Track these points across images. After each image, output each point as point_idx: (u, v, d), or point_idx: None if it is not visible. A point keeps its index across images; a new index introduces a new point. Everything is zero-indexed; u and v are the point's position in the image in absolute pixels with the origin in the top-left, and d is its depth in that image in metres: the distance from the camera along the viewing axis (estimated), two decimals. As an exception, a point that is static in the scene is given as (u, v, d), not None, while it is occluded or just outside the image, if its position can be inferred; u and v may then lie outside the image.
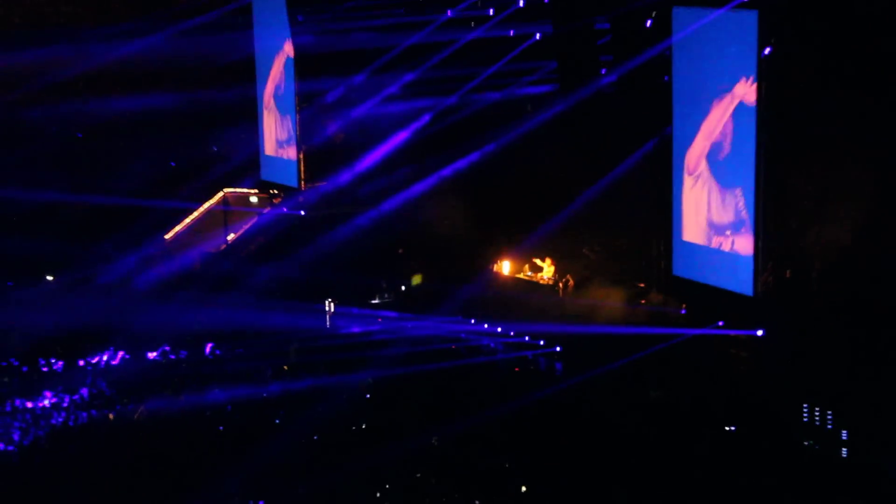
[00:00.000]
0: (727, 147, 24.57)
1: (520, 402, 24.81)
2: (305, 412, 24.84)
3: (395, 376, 26.99)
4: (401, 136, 34.52)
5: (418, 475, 21.94)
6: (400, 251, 33.71)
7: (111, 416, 25.43)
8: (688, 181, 25.62)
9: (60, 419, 25.04)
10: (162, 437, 24.15)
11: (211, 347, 29.10)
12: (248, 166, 38.79)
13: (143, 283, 33.73)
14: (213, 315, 31.19)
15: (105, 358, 28.21)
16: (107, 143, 38.48)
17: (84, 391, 26.29)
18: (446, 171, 33.29)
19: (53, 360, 27.85)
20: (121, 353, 28.38)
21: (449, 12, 32.59)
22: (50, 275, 34.73)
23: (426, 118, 34.35)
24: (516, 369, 27.84)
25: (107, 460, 23.06)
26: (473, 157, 33.26)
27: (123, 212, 36.73)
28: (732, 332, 25.40)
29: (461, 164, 33.34)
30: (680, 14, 25.26)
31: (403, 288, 33.11)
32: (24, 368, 27.56)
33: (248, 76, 38.08)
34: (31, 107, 37.47)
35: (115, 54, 37.79)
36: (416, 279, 27.23)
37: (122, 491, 21.61)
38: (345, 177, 35.62)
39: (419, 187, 33.14)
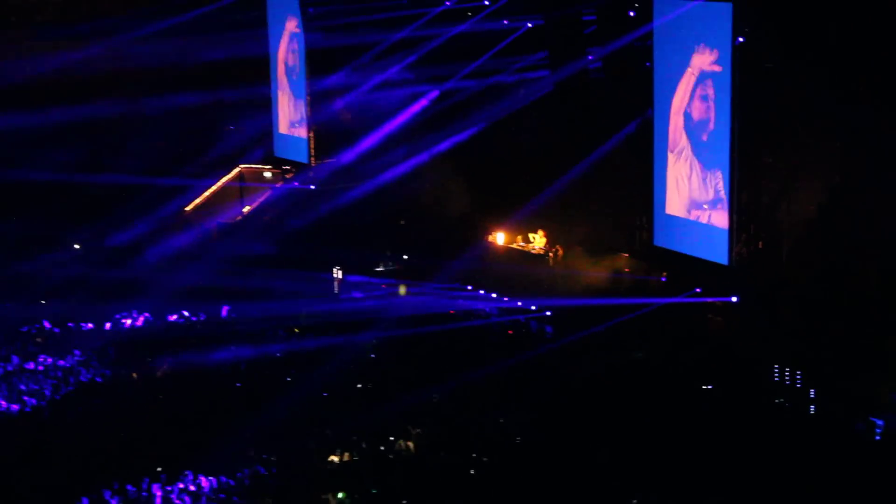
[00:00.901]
0: (706, 128, 24.66)
1: (512, 361, 24.89)
2: (315, 371, 24.87)
3: (397, 338, 27.05)
4: (403, 117, 34.51)
5: (418, 430, 21.96)
6: (402, 222, 33.69)
7: (134, 374, 25.49)
8: (670, 158, 25.69)
9: (88, 376, 25.12)
10: (181, 394, 24.20)
11: (227, 310, 29.14)
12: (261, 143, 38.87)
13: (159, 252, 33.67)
14: (228, 280, 31.47)
15: (129, 321, 28.28)
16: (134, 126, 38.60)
17: (110, 350, 26.38)
18: (444, 148, 33.29)
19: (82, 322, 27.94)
20: (143, 315, 28.47)
21: (447, 2, 32.54)
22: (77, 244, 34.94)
23: (426, 100, 34.30)
24: (509, 332, 27.89)
25: (130, 415, 23.14)
26: (470, 133, 33.27)
27: (145, 188, 36.82)
28: (709, 299, 25.54)
29: (459, 140, 33.37)
30: (660, 4, 25.32)
31: (405, 257, 33.18)
32: (56, 329, 27.61)
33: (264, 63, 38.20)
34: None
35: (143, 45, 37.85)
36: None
37: (143, 443, 21.67)
38: (351, 154, 35.66)
39: (420, 163, 33.13)
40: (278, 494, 19.62)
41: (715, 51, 24.01)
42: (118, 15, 39.48)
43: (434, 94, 34.10)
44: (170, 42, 36.98)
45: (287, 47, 37.52)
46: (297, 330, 28.06)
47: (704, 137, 24.81)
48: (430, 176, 32.96)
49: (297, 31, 36.85)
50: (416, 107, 34.44)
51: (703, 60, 24.40)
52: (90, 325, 27.87)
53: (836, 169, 24.18)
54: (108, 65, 38.26)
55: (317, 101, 35.94)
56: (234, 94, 38.40)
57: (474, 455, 21.09)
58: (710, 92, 24.49)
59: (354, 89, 35.23)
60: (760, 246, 24.56)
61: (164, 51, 37.00)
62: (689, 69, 24.63)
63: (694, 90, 24.88)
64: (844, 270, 23.66)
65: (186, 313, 28.79)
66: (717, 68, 23.88)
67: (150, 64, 37.37)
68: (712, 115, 24.40)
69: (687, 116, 25.17)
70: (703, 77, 24.58)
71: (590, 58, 27.98)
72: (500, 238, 31.01)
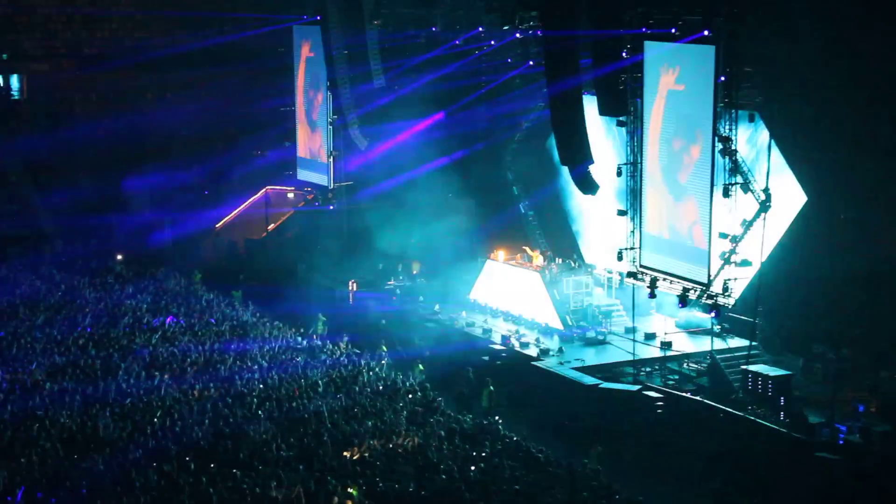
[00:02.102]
0: (689, 163, 24.78)
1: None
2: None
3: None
4: (413, 142, 34.63)
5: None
6: (412, 240, 33.72)
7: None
8: (659, 191, 25.79)
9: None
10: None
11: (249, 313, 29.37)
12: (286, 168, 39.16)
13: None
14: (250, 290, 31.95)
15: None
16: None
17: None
18: (452, 172, 33.36)
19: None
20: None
21: (456, 41, 32.66)
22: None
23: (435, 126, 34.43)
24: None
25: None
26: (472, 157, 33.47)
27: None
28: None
29: (462, 161, 33.57)
30: (651, 46, 25.45)
31: (415, 272, 33.23)
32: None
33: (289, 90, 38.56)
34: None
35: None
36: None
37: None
38: (367, 178, 35.84)
39: (429, 185, 33.17)
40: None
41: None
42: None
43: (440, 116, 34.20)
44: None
45: (305, 74, 37.75)
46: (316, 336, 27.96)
47: (684, 171, 25.05)
48: (437, 197, 32.90)
49: (312, 55, 37.20)
50: (427, 132, 34.53)
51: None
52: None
53: (802, 198, 24.36)
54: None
55: (336, 129, 36.15)
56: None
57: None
58: (685, 128, 24.84)
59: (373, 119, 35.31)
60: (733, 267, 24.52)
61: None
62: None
63: (672, 118, 25.14)
64: (814, 289, 23.74)
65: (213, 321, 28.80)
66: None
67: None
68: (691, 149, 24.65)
69: (669, 148, 25.35)
70: (681, 108, 24.89)
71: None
72: (500, 256, 31.03)
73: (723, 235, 24.01)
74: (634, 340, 26.57)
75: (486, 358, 27.00)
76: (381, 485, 18.62)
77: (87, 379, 23.88)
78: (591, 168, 26.35)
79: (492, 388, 24.43)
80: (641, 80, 25.89)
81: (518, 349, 27.31)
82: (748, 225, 23.69)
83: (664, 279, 25.81)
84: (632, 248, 26.55)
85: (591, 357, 26.65)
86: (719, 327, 25.79)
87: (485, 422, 22.35)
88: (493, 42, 31.85)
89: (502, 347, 27.46)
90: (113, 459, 19.64)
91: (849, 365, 23.41)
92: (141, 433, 20.91)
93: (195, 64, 38.98)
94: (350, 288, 32.97)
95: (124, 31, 42.45)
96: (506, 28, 30.89)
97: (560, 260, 30.21)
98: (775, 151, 23.63)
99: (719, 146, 23.76)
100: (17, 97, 44.84)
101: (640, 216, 26.41)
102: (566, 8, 25.70)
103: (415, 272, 33.32)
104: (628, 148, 26.43)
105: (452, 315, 30.10)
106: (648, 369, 25.74)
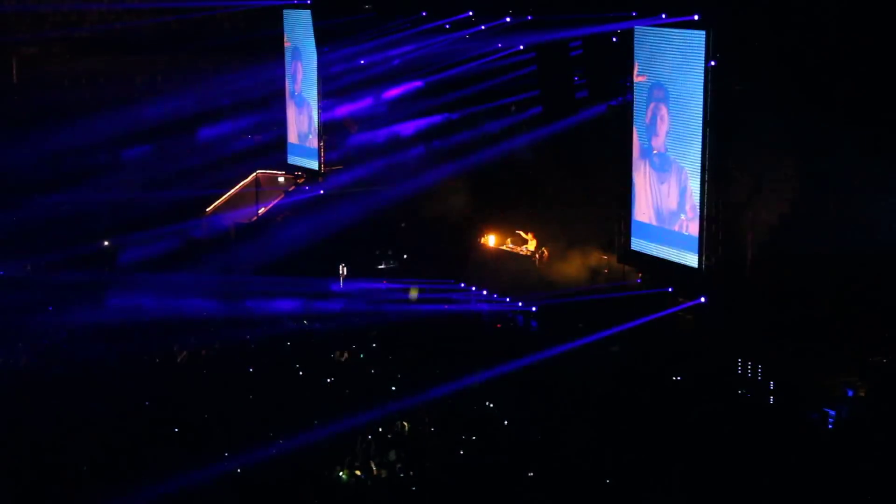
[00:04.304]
0: (675, 140, 24.77)
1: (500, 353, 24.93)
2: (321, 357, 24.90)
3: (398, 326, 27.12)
4: (404, 128, 34.58)
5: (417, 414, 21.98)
6: (402, 224, 33.70)
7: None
8: (644, 171, 25.77)
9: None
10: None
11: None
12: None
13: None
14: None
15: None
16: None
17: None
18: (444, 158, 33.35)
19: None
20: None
21: (446, 26, 32.57)
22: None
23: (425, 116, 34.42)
24: (498, 325, 27.92)
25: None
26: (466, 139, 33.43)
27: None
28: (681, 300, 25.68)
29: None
30: (640, 31, 25.39)
31: (405, 256, 33.19)
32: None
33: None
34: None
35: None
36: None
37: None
38: (357, 162, 35.77)
39: (419, 170, 33.16)
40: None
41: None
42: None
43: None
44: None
45: (294, 59, 37.63)
46: (305, 321, 28.03)
47: (672, 149, 24.97)
48: (429, 182, 32.90)
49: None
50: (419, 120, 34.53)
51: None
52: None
53: (796, 184, 24.30)
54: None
55: (326, 112, 36.02)
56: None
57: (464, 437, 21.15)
58: (675, 112, 24.77)
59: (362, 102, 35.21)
60: (726, 252, 24.51)
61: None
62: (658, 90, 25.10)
63: (659, 106, 25.09)
64: (799, 274, 23.75)
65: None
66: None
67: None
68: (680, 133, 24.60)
69: (657, 131, 25.33)
70: (672, 95, 24.79)
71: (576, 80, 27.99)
72: (491, 240, 31.02)
73: (712, 220, 24.02)
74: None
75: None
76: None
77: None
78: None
79: None
80: (631, 65, 25.91)
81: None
82: (739, 208, 23.73)
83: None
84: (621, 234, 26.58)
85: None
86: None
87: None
88: (482, 27, 31.78)
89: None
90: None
91: (839, 349, 23.50)
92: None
93: (184, 42, 38.78)
94: (341, 272, 32.92)
95: (114, 13, 42.14)
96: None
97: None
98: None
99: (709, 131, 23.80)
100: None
101: (632, 201, 26.40)
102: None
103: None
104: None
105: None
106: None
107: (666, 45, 24.81)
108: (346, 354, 23.90)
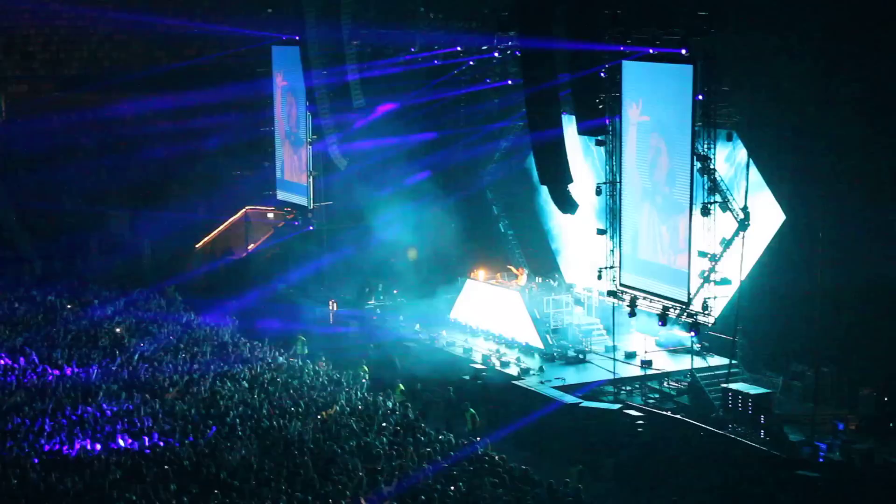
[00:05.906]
0: (667, 183, 24.80)
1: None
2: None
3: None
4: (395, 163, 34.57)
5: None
6: (392, 260, 33.60)
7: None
8: (639, 210, 25.77)
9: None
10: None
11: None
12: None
13: None
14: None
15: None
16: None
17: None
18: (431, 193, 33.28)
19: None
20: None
21: (435, 62, 32.55)
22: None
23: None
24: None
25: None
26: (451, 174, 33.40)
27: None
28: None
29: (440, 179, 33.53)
30: (628, 66, 25.44)
31: (395, 292, 33.10)
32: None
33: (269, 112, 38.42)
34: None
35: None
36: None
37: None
38: (347, 198, 35.75)
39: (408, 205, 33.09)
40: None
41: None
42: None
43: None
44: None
45: (282, 99, 37.66)
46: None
47: (664, 193, 25.04)
48: (418, 217, 32.83)
49: (286, 83, 37.13)
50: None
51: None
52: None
53: (779, 222, 24.41)
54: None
55: (316, 150, 35.98)
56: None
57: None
58: (663, 147, 24.83)
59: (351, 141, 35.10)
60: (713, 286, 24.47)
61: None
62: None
63: (650, 138, 25.16)
64: (793, 307, 23.74)
65: None
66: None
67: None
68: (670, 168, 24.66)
69: (648, 167, 25.36)
70: (660, 131, 24.88)
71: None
72: (480, 275, 30.93)
73: (702, 254, 23.88)
74: (615, 359, 26.51)
75: (467, 377, 26.90)
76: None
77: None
78: (571, 187, 26.29)
79: (472, 410, 24.41)
80: (620, 100, 25.94)
81: (499, 368, 27.25)
82: (727, 243, 23.63)
83: (644, 298, 25.71)
84: (611, 267, 26.42)
85: (572, 376, 26.53)
86: (699, 346, 25.70)
87: (464, 441, 22.21)
88: (471, 62, 31.78)
89: (483, 367, 27.35)
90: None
91: (828, 383, 23.44)
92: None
93: (175, 84, 38.75)
94: (330, 307, 32.86)
95: (102, 52, 42.16)
96: (484, 48, 30.88)
97: (540, 279, 30.14)
98: (753, 170, 23.58)
99: (698, 165, 23.68)
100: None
101: (620, 235, 26.32)
102: (544, 25, 25.63)
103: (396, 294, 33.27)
104: (607, 167, 26.34)
105: (433, 335, 30.01)
106: (629, 388, 25.66)
107: (654, 79, 24.91)
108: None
